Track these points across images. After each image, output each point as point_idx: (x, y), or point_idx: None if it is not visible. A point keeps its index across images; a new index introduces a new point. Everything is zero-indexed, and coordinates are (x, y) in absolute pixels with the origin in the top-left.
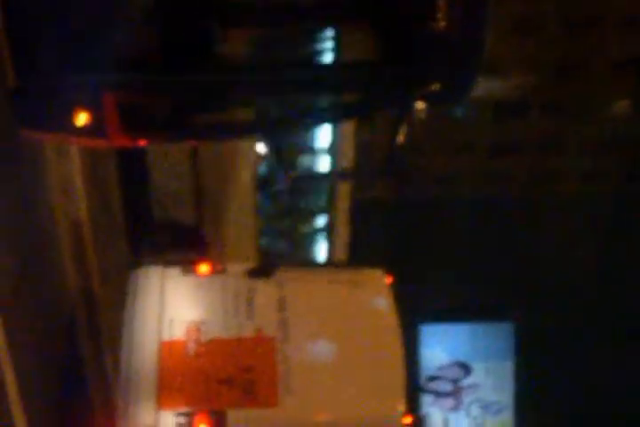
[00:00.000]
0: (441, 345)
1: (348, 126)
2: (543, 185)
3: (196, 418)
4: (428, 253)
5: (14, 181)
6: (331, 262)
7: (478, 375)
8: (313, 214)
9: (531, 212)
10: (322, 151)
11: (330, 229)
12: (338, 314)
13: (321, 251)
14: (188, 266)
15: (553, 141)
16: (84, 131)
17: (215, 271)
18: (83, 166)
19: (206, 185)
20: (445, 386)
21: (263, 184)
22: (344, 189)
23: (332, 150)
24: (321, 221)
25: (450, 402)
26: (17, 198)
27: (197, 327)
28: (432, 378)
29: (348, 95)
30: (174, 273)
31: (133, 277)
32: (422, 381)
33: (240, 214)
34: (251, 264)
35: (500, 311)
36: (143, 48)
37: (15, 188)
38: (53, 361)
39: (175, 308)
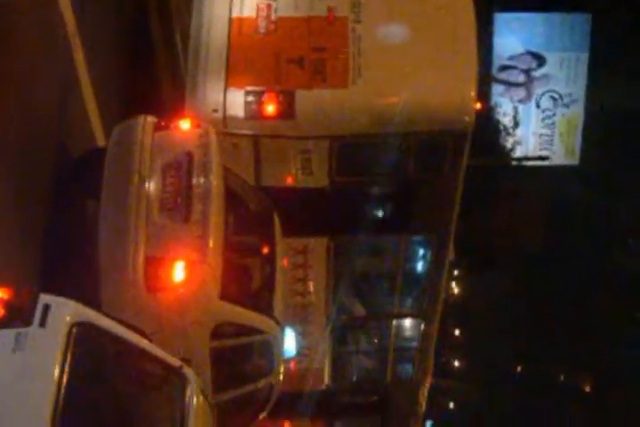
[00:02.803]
0: (515, 34)
1: None
2: None
3: (265, 97)
4: None
5: None
6: None
7: (551, 66)
8: None
9: None
10: None
11: None
12: None
13: None
14: None
15: None
16: None
17: None
18: None
19: None
20: (517, 76)
21: None
22: None
23: None
24: None
25: (521, 92)
26: None
27: (269, 4)
28: (504, 68)
29: None
30: None
31: None
32: (494, 70)
33: None
34: None
35: (577, 0)
36: None
37: None
38: (121, 34)
39: None
